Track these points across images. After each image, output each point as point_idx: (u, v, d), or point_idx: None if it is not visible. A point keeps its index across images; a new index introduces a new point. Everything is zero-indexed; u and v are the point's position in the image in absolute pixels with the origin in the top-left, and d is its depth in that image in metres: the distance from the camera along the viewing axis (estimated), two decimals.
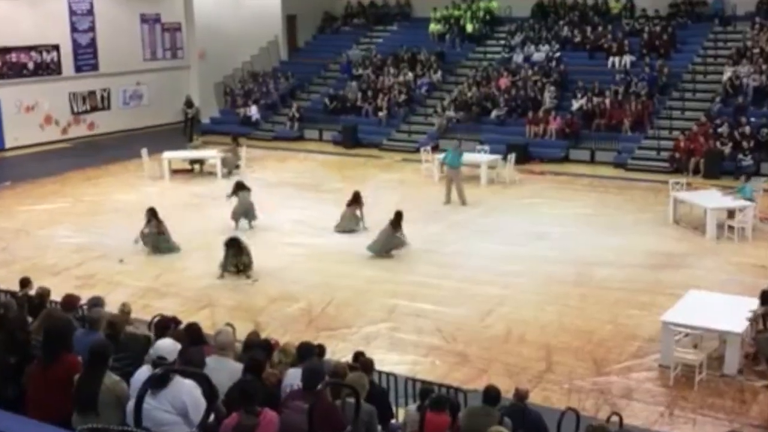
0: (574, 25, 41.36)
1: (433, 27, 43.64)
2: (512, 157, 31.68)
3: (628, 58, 37.76)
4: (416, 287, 20.35)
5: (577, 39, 40.42)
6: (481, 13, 43.34)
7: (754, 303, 16.13)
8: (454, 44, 42.91)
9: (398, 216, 22.92)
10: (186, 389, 7.67)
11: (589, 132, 35.16)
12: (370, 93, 40.54)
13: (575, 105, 36.10)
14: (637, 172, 31.97)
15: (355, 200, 25.32)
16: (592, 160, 34.28)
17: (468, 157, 30.34)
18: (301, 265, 22.05)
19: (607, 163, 33.62)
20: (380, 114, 39.20)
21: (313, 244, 23.96)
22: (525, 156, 33.75)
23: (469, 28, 42.96)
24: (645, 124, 34.45)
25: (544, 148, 34.79)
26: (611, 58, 38.39)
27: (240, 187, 25.57)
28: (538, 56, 39.95)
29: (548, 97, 36.84)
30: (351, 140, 37.84)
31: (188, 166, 33.68)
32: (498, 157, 32.35)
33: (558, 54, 39.76)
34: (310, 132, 40.36)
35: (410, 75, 40.97)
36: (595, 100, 35.92)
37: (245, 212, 25.10)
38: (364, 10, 47.79)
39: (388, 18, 46.93)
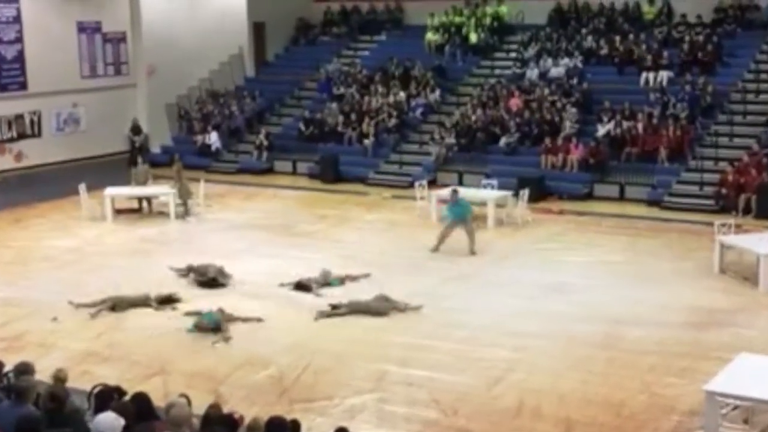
0: (599, 34, 41.71)
1: (430, 37, 43.94)
2: (525, 193, 31.87)
3: (664, 74, 38.10)
4: (408, 350, 20.42)
5: (604, 51, 40.75)
6: (488, 20, 43.62)
7: None
8: (454, 57, 43.23)
9: None
10: None
11: (618, 163, 35.35)
12: (353, 116, 40.81)
13: (601, 130, 36.31)
14: (675, 212, 32.20)
15: None
16: (622, 197, 34.55)
17: (471, 193, 30.53)
18: (272, 323, 22.12)
19: (640, 201, 33.84)
20: (366, 142, 39.45)
21: (285, 297, 24.05)
22: (540, 192, 34.05)
23: (473, 38, 43.24)
24: (685, 153, 34.70)
25: (563, 183, 35.04)
26: (644, 74, 38.71)
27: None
28: (556, 72, 40.27)
29: (569, 121, 36.97)
30: (330, 173, 38.04)
31: (134, 205, 33.70)
32: (508, 193, 32.45)
33: (580, 69, 40.00)
34: (281, 163, 40.65)
35: (402, 95, 41.23)
36: (625, 124, 36.09)
37: None
38: (346, 17, 48.09)
39: (375, 26, 47.23)
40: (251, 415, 12.94)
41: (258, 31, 47.51)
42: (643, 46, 39.72)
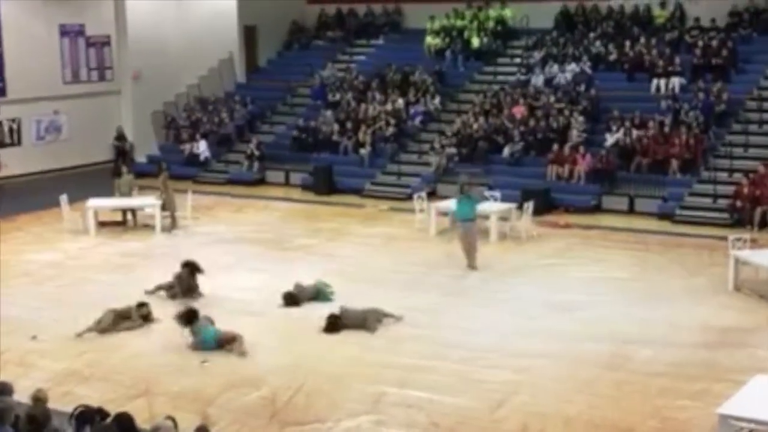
0: (608, 38, 41.79)
1: (430, 41, 43.99)
2: (529, 205, 31.70)
3: (676, 81, 38.16)
4: (407, 371, 20.38)
5: (613, 56, 40.86)
6: (491, 24, 43.64)
7: None
8: (456, 63, 43.29)
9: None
10: None
11: (628, 174, 35.44)
12: (349, 124, 40.88)
13: (610, 140, 36.34)
14: (687, 226, 32.21)
15: None
16: (631, 210, 34.57)
17: None
18: (263, 342, 22.09)
19: (650, 214, 33.85)
20: (362, 151, 39.51)
21: (277, 316, 24.09)
22: (546, 204, 34.09)
23: (476, 42, 43.28)
24: (698, 164, 34.76)
25: (569, 195, 35.10)
26: (655, 81, 38.74)
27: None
28: (563, 78, 40.35)
29: (576, 130, 37.01)
30: (325, 185, 38.08)
31: (118, 217, 33.68)
32: (512, 206, 32.44)
33: (588, 75, 40.00)
34: (273, 174, 40.75)
35: (400, 102, 41.27)
36: (635, 133, 36.12)
37: None
38: (342, 20, 48.16)
39: (372, 29, 47.29)
40: None
41: (249, 34, 47.56)
42: (654, 52, 39.68)
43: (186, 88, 45.70)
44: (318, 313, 23.96)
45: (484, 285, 26.52)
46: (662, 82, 38.46)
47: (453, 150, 37.88)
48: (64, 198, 32.88)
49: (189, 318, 21.51)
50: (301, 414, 18.45)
